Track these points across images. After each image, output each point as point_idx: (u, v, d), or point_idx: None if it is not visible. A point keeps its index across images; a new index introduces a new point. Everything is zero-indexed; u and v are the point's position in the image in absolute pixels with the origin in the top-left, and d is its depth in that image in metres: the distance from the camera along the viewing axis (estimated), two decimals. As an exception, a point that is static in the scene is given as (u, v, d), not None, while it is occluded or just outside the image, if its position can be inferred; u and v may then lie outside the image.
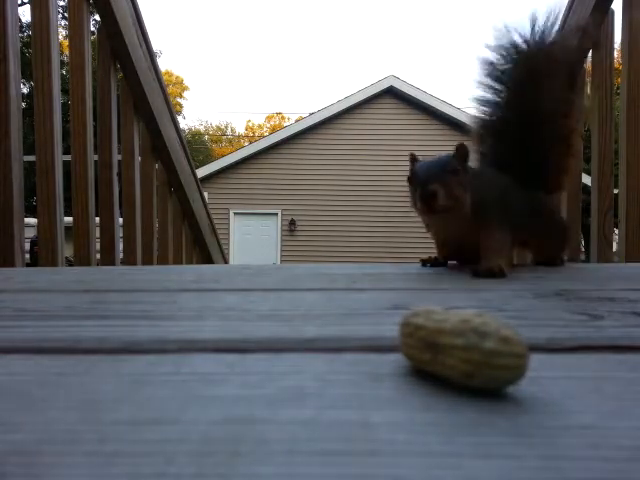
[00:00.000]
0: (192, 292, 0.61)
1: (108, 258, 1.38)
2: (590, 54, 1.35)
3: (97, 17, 1.41)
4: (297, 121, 9.98)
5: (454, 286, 0.66)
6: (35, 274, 0.84)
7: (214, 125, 30.34)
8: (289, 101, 48.20)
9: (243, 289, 0.63)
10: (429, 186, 0.71)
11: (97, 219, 1.32)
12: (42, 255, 1.13)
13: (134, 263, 1.53)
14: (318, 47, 51.42)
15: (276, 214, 9.19)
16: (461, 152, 0.76)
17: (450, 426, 0.22)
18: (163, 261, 1.85)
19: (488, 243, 0.78)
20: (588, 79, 1.43)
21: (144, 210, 1.63)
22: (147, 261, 1.65)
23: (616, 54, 1.42)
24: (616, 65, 1.38)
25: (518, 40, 0.88)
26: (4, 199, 1.04)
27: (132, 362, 0.32)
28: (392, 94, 9.02)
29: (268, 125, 29.93)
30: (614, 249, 1.38)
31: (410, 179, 0.77)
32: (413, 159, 0.80)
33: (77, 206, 1.26)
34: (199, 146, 24.07)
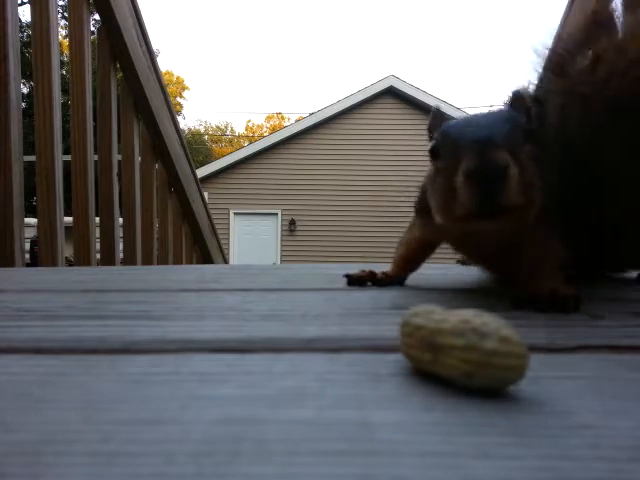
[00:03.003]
0: (192, 292, 0.61)
1: (108, 258, 1.38)
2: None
3: (97, 17, 1.41)
4: (297, 121, 9.97)
5: (454, 286, 0.66)
6: (35, 274, 0.84)
7: (214, 125, 30.36)
8: (289, 101, 48.22)
9: (243, 289, 0.63)
10: (495, 156, 0.38)
11: (97, 219, 1.32)
12: (42, 255, 1.13)
13: (134, 263, 1.53)
14: (318, 47, 51.44)
15: (276, 214, 9.19)
16: (520, 103, 0.45)
17: (450, 426, 0.22)
18: (163, 261, 1.85)
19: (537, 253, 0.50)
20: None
21: (144, 210, 1.63)
22: (147, 261, 1.65)
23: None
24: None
25: None
26: (4, 199, 1.04)
27: (132, 362, 0.32)
28: (392, 94, 9.01)
29: (268, 125, 29.94)
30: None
31: (438, 149, 0.45)
32: (437, 115, 0.49)
33: (77, 206, 1.26)
34: (199, 146, 24.07)
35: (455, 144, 0.42)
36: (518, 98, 0.46)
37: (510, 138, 0.41)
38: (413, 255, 0.66)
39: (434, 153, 0.45)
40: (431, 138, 0.47)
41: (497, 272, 0.60)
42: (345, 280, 0.67)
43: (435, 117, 0.49)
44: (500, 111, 0.45)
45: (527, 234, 0.49)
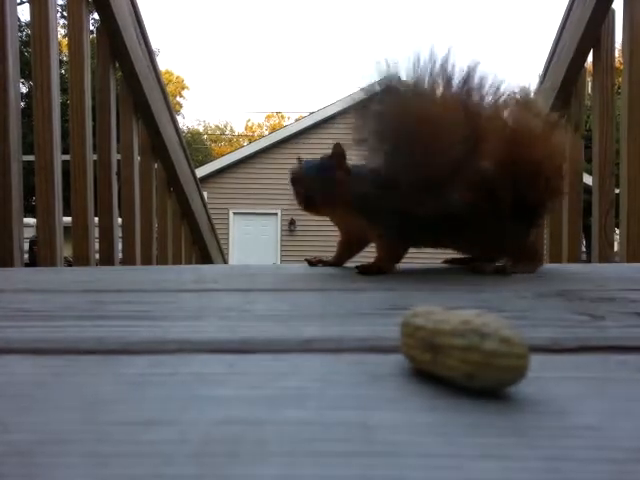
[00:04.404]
0: (191, 292, 0.61)
1: (107, 258, 1.38)
2: (591, 54, 1.35)
3: (96, 16, 1.40)
4: (297, 120, 9.98)
5: (454, 286, 0.66)
6: (34, 274, 0.83)
7: (213, 125, 30.33)
8: (289, 100, 48.20)
9: (242, 289, 0.62)
10: (296, 186, 0.77)
11: (96, 219, 1.32)
12: (41, 255, 1.13)
13: (133, 263, 1.52)
14: (318, 47, 51.44)
15: (276, 214, 9.19)
16: (337, 151, 0.77)
17: (450, 427, 0.22)
18: (162, 261, 1.85)
19: (378, 242, 0.79)
20: (589, 79, 1.43)
21: (143, 210, 1.63)
22: (146, 261, 1.65)
23: (617, 54, 1.42)
24: (617, 65, 1.38)
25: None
26: (3, 199, 1.04)
27: (131, 362, 0.32)
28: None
29: (268, 124, 29.92)
30: (615, 249, 1.38)
31: (293, 180, 0.79)
32: (299, 161, 0.81)
33: (76, 206, 1.25)
34: (199, 146, 24.05)
35: (294, 180, 0.78)
36: (336, 147, 0.77)
37: (313, 176, 0.76)
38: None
39: (292, 182, 0.79)
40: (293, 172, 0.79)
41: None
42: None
43: (298, 162, 0.80)
44: (317, 159, 0.79)
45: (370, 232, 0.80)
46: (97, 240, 1.31)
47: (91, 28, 1.66)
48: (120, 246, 1.48)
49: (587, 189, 1.39)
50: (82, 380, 0.29)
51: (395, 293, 0.60)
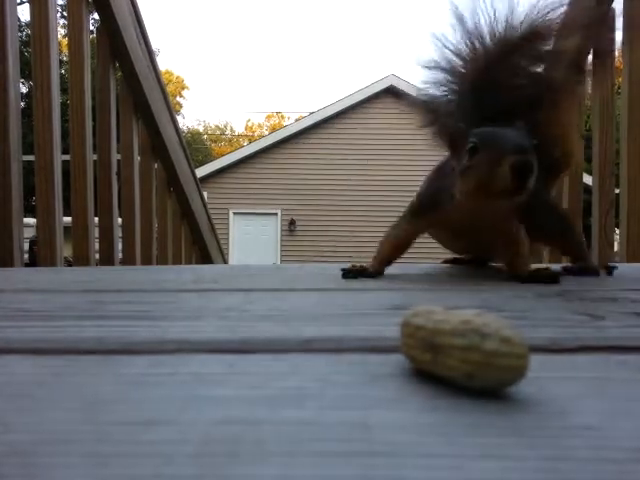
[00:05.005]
0: (191, 292, 0.61)
1: (107, 258, 1.38)
2: (591, 53, 1.35)
3: (96, 16, 1.40)
4: (297, 120, 9.98)
5: (454, 286, 0.66)
6: (34, 274, 0.83)
7: (213, 125, 30.30)
8: (289, 100, 48.19)
9: (242, 289, 0.62)
10: (528, 157, 0.54)
11: (96, 219, 1.32)
12: (41, 255, 1.13)
13: (133, 263, 1.52)
14: (318, 46, 51.44)
15: (276, 214, 9.19)
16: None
17: (451, 427, 0.22)
18: (162, 261, 1.84)
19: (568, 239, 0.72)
20: (589, 78, 1.43)
21: (143, 210, 1.63)
22: (146, 261, 1.65)
23: (617, 53, 1.42)
24: (617, 64, 1.38)
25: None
26: (3, 199, 1.04)
27: (131, 362, 0.32)
28: (392, 93, 9.01)
29: (268, 124, 29.90)
30: (615, 249, 1.38)
31: (480, 146, 0.58)
32: (462, 129, 0.63)
33: (76, 206, 1.25)
34: (199, 146, 24.02)
35: (500, 146, 0.56)
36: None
37: (530, 147, 0.56)
38: (400, 248, 0.75)
39: (474, 150, 0.58)
40: (477, 136, 0.60)
41: (475, 253, 0.81)
42: (344, 278, 0.71)
43: (458, 126, 0.64)
44: (515, 128, 0.60)
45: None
46: (97, 240, 1.31)
47: (91, 28, 1.66)
48: (120, 246, 1.48)
49: (587, 189, 1.39)
50: (82, 380, 0.29)
51: (395, 293, 0.60)
